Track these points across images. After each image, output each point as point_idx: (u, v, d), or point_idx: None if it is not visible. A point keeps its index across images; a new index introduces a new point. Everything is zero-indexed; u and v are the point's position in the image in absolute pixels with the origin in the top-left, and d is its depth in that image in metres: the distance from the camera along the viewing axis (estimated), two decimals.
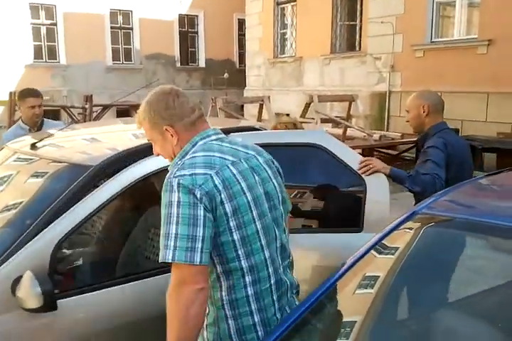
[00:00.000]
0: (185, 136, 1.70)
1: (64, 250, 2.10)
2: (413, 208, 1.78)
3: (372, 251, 1.70)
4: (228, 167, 1.64)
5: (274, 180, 1.77)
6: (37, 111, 3.79)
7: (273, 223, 1.73)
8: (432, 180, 2.65)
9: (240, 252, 1.63)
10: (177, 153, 1.71)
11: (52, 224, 1.99)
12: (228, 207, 1.60)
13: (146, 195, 2.43)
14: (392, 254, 1.80)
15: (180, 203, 1.54)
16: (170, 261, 1.50)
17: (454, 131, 3.08)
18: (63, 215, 2.01)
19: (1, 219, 2.29)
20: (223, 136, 1.77)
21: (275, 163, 1.85)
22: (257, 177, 1.70)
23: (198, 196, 1.55)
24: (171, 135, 1.70)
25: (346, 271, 1.66)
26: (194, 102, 1.75)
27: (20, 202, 2.35)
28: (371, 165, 2.56)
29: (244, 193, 1.64)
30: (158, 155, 1.80)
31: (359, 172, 2.54)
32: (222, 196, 1.59)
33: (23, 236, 1.99)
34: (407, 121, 3.05)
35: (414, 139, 8.92)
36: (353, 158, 2.59)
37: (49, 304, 1.84)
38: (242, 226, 1.62)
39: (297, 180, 2.60)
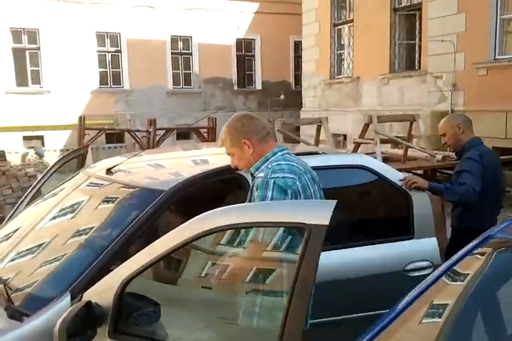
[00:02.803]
0: (259, 148, 2.20)
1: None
2: (487, 232, 1.70)
3: (443, 278, 1.63)
4: (304, 175, 2.16)
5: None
6: None
7: None
8: (466, 189, 2.97)
9: None
10: (254, 162, 2.21)
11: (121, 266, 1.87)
12: None
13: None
14: (463, 281, 1.72)
15: (273, 199, 2.00)
16: None
17: (487, 147, 3.47)
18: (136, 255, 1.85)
19: (79, 240, 2.37)
20: (290, 151, 2.30)
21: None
22: (315, 186, 2.22)
23: (289, 195, 2.05)
24: (248, 147, 2.19)
25: (415, 298, 1.60)
26: (263, 122, 2.29)
27: (96, 225, 2.43)
28: (411, 182, 2.87)
29: (312, 197, 2.15)
30: (235, 166, 2.30)
31: (403, 187, 2.87)
32: (302, 197, 2.09)
33: (101, 257, 2.06)
34: (445, 144, 3.45)
35: None
36: (396, 176, 2.93)
37: None
38: None
39: (351, 198, 2.99)
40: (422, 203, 2.87)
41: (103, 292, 1.83)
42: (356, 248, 2.74)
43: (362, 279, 2.65)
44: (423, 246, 2.82)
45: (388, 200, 3.04)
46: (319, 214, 1.58)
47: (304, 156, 2.60)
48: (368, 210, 3.06)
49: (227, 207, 1.81)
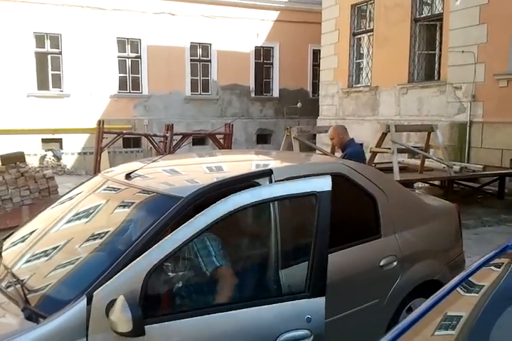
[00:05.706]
0: None
1: (155, 278, 2.09)
2: (504, 243, 1.67)
3: (458, 289, 1.61)
4: None
5: None
6: None
7: None
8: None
9: None
10: None
11: (146, 253, 2.01)
12: None
13: (238, 226, 2.60)
14: (478, 292, 1.70)
15: None
16: None
17: (356, 143, 5.43)
18: (156, 244, 2.03)
19: (96, 244, 2.40)
20: None
21: None
22: None
23: None
24: None
25: (428, 309, 1.58)
26: None
27: (114, 229, 2.48)
28: None
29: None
30: None
31: None
32: None
33: (118, 261, 2.07)
34: (334, 144, 5.59)
35: (498, 172, 8.50)
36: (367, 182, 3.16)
37: (137, 330, 1.86)
38: None
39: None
40: (383, 205, 3.13)
41: (129, 283, 1.94)
42: (346, 250, 2.89)
43: (354, 276, 2.86)
44: (389, 243, 3.13)
45: (361, 204, 3.24)
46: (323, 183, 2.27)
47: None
48: (350, 215, 3.23)
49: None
